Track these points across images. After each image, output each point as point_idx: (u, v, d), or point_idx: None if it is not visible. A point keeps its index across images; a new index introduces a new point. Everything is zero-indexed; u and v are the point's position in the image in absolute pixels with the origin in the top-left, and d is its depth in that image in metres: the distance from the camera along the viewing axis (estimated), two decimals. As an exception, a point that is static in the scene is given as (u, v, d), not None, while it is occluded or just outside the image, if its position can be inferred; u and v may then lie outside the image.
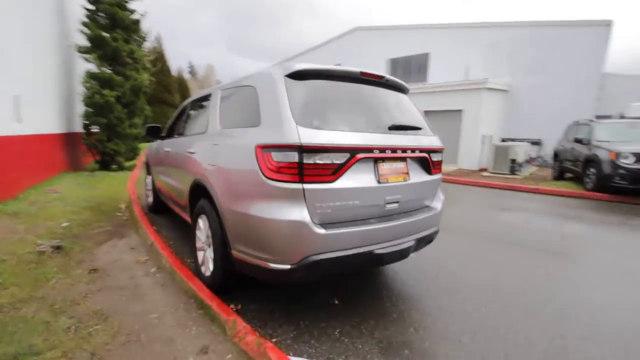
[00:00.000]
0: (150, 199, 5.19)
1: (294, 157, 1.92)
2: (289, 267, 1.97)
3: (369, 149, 2.14)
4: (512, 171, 10.71)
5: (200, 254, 2.86)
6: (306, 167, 1.93)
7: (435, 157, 2.64)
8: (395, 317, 2.39)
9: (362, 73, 2.39)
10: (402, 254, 2.33)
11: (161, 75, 23.55)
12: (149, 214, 4.92)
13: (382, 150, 2.21)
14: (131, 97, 8.56)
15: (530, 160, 13.24)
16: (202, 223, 2.75)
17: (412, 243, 2.41)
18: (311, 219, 1.95)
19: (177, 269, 2.81)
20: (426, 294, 2.76)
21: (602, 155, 6.98)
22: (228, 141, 2.43)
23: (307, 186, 1.95)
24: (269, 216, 1.97)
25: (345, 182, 2.06)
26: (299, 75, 2.19)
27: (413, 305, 2.57)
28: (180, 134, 3.77)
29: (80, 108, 8.25)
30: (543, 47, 14.47)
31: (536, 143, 14.08)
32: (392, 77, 2.59)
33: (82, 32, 7.94)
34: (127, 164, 9.08)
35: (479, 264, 3.45)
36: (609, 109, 15.24)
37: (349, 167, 2.06)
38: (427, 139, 2.59)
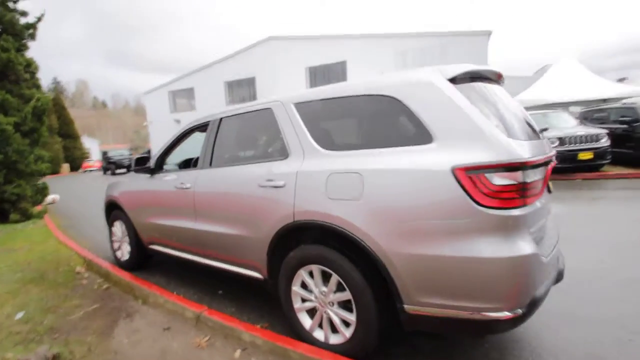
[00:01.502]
0: (125, 254, 3.96)
1: (517, 176, 1.56)
2: (523, 311, 1.58)
3: (550, 158, 1.92)
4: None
5: (302, 317, 2.20)
6: (527, 186, 1.60)
7: None
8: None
9: (497, 75, 2.16)
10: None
11: (32, 94, 19.03)
12: (133, 273, 3.72)
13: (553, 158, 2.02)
14: (33, 123, 6.53)
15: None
16: (308, 277, 2.12)
17: (559, 249, 2.27)
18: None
19: (284, 343, 2.09)
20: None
21: (534, 142, 8.17)
22: (374, 166, 1.85)
23: (527, 210, 1.61)
24: (492, 254, 1.55)
25: (540, 198, 1.79)
26: (459, 79, 1.84)
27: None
28: (208, 164, 2.88)
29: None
30: (443, 53, 16.55)
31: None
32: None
33: (-54, 39, 5.73)
34: (35, 210, 6.90)
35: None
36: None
37: (547, 181, 1.80)
38: None
